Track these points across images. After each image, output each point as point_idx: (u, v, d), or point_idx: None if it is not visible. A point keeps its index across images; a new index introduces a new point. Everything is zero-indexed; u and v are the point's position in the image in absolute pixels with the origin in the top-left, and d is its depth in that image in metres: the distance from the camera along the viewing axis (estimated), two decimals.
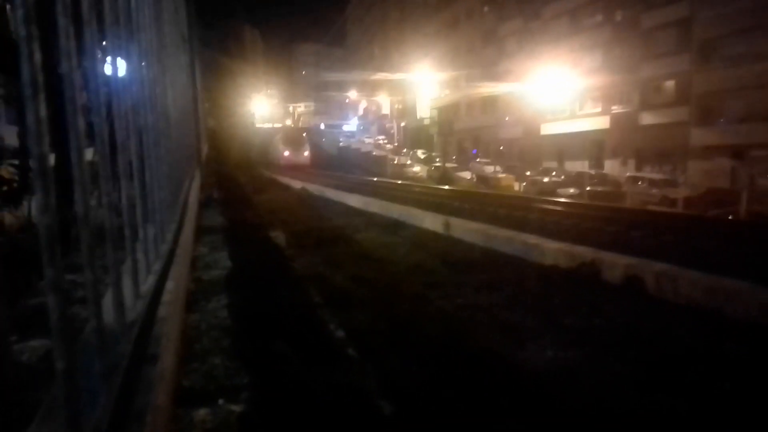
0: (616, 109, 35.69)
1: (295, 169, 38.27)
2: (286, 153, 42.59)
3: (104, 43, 1.88)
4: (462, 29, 54.28)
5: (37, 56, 0.91)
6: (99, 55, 1.58)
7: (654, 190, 24.56)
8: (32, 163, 0.91)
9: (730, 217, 17.78)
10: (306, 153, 43.24)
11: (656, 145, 32.28)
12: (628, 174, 28.96)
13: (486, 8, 50.68)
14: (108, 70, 1.88)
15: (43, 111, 0.92)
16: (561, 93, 38.46)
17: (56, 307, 0.94)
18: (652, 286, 6.96)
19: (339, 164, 58.87)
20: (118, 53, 1.94)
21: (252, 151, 49.95)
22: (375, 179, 39.39)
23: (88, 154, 1.51)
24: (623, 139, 34.60)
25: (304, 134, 46.65)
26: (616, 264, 7.58)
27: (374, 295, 6.46)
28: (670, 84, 32.09)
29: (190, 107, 9.38)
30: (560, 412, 3.85)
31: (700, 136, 29.49)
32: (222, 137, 36.54)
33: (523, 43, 44.54)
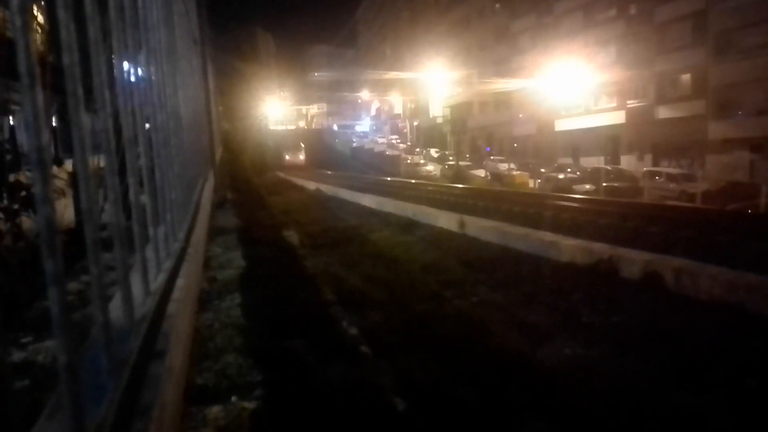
0: (631, 103, 35.29)
1: (293, 168, 49.62)
2: (287, 157, 55.58)
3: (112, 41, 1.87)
4: (474, 27, 54.05)
5: (33, 47, 0.89)
6: (108, 55, 1.57)
7: (672, 185, 24.22)
8: (30, 155, 0.89)
9: (749, 211, 17.50)
10: (301, 156, 56.82)
11: (673, 140, 31.85)
12: (645, 169, 28.57)
13: (498, 5, 50.41)
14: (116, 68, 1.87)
15: (40, 102, 0.91)
16: (575, 89, 38.11)
17: (57, 299, 0.93)
18: (672, 282, 6.85)
19: (352, 164, 59.06)
20: (126, 52, 1.94)
21: (266, 153, 50.57)
22: (389, 179, 39.39)
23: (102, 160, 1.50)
24: (639, 134, 34.20)
25: (301, 144, 60.02)
26: (634, 260, 7.48)
27: (389, 294, 6.44)
28: (686, 77, 31.63)
29: (203, 109, 9.43)
30: (579, 411, 3.79)
31: (717, 130, 29.05)
32: (236, 140, 36.85)
33: (536, 40, 44.24)
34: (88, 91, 1.31)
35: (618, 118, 36.11)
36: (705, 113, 29.79)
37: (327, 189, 26.47)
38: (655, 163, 31.83)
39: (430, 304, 6.34)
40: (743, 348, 4.92)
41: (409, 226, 13.37)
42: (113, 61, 1.81)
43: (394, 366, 3.52)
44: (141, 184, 1.99)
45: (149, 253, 1.95)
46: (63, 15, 1.16)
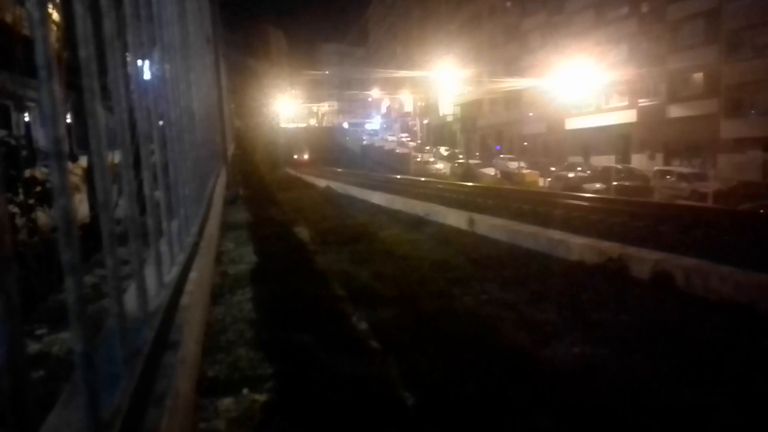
0: (643, 102, 35.04)
1: (303, 165, 57.97)
2: (295, 156, 64.45)
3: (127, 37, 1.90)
4: (484, 25, 53.86)
5: (51, 39, 0.91)
6: (123, 50, 1.60)
7: (683, 184, 24.02)
8: (48, 146, 0.91)
9: (762, 211, 17.33)
10: (305, 156, 67.21)
11: (685, 139, 31.59)
12: (656, 168, 28.37)
13: (508, 3, 50.21)
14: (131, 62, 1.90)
15: (57, 94, 0.93)
16: (586, 87, 37.89)
17: (73, 288, 0.95)
18: (682, 281, 6.82)
19: (362, 162, 59.14)
20: (141, 47, 1.96)
21: (277, 150, 50.91)
22: (398, 177, 39.36)
23: (118, 155, 1.52)
24: (651, 133, 33.95)
25: (306, 148, 69.59)
26: (644, 259, 7.45)
27: (398, 291, 6.46)
28: (698, 76, 31.36)
29: (215, 106, 9.48)
30: (585, 408, 3.79)
31: (730, 129, 28.79)
32: (248, 137, 36.99)
33: (546, 38, 44.02)
34: (102, 87, 1.33)
35: (629, 116, 35.89)
36: (717, 112, 29.53)
37: (337, 186, 26.52)
38: (667, 163, 31.59)
39: (439, 301, 6.35)
40: (753, 347, 4.89)
41: (419, 223, 13.38)
42: (127, 57, 1.84)
43: (403, 361, 3.53)
44: (154, 179, 2.02)
45: (163, 246, 1.97)
46: (79, 8, 1.18)
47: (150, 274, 1.68)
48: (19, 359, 0.76)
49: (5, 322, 0.71)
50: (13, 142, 4.56)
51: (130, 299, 1.47)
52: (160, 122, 2.25)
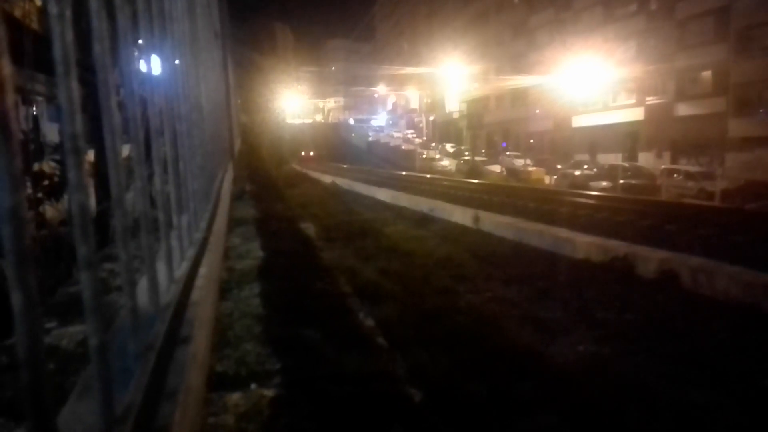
0: (650, 100, 34.88)
1: (306, 160, 59.82)
2: (301, 152, 65.87)
3: (140, 41, 1.91)
4: (492, 22, 53.70)
5: (69, 34, 0.92)
6: (134, 46, 1.60)
7: (690, 183, 23.92)
8: (65, 142, 0.92)
9: None
10: (311, 152, 68.31)
11: (692, 137, 31.44)
12: (663, 166, 28.25)
13: (516, 0, 50.07)
14: (143, 59, 1.91)
15: (75, 90, 0.93)
16: (593, 84, 37.73)
17: (89, 283, 0.95)
18: (688, 280, 6.81)
19: (368, 159, 59.19)
20: (152, 43, 1.97)
21: (283, 146, 50.94)
22: (404, 173, 39.37)
23: (125, 149, 1.53)
24: (658, 131, 33.80)
25: (311, 144, 70.68)
26: (650, 258, 7.44)
27: (403, 288, 6.48)
28: (706, 74, 31.19)
29: (223, 101, 9.49)
30: (589, 406, 3.80)
31: (738, 127, 28.64)
32: (254, 132, 37.00)
33: (554, 35, 43.83)
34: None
35: (637, 114, 35.74)
36: (725, 110, 29.37)
37: (343, 182, 26.57)
38: (674, 161, 31.46)
39: (444, 298, 6.37)
40: (759, 348, 4.88)
41: (424, 220, 13.40)
42: (135, 52, 1.84)
43: (409, 357, 3.54)
44: (165, 173, 2.02)
45: (173, 241, 1.98)
46: (94, 4, 1.18)
47: (160, 268, 1.69)
48: (37, 353, 0.76)
49: (25, 317, 0.72)
50: (21, 135, 4.58)
51: (141, 293, 1.48)
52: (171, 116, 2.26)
